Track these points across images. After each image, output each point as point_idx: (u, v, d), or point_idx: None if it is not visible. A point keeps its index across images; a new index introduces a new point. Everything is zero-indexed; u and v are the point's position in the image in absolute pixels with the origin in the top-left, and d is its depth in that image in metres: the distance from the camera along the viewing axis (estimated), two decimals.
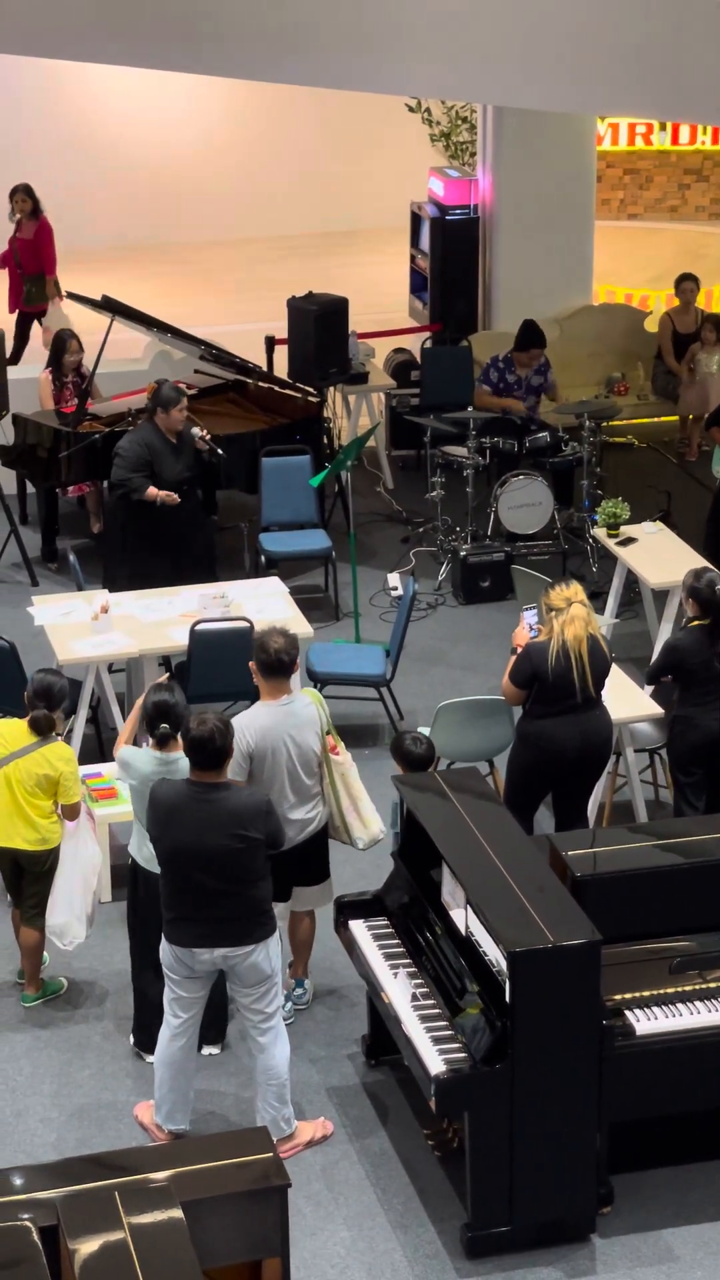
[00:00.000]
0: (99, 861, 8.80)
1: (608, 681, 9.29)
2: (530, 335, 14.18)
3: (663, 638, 11.07)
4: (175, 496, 11.75)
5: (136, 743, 8.60)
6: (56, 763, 8.63)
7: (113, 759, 9.99)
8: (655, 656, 9.57)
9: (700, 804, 9.49)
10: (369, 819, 8.56)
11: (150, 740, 8.23)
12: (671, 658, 9.46)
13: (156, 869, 8.15)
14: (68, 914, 8.61)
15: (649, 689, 9.80)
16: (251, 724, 8.20)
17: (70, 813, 8.68)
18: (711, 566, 9.72)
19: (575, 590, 9.19)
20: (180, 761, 8.04)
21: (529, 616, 9.51)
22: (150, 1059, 8.27)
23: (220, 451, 12.16)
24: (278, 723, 8.27)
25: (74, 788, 8.65)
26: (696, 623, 9.42)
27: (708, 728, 9.41)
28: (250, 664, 8.36)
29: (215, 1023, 8.43)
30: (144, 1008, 8.49)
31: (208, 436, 12.06)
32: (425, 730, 9.47)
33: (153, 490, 11.74)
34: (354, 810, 8.53)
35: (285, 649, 8.27)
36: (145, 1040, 8.47)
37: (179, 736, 8.05)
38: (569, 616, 9.07)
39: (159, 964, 8.04)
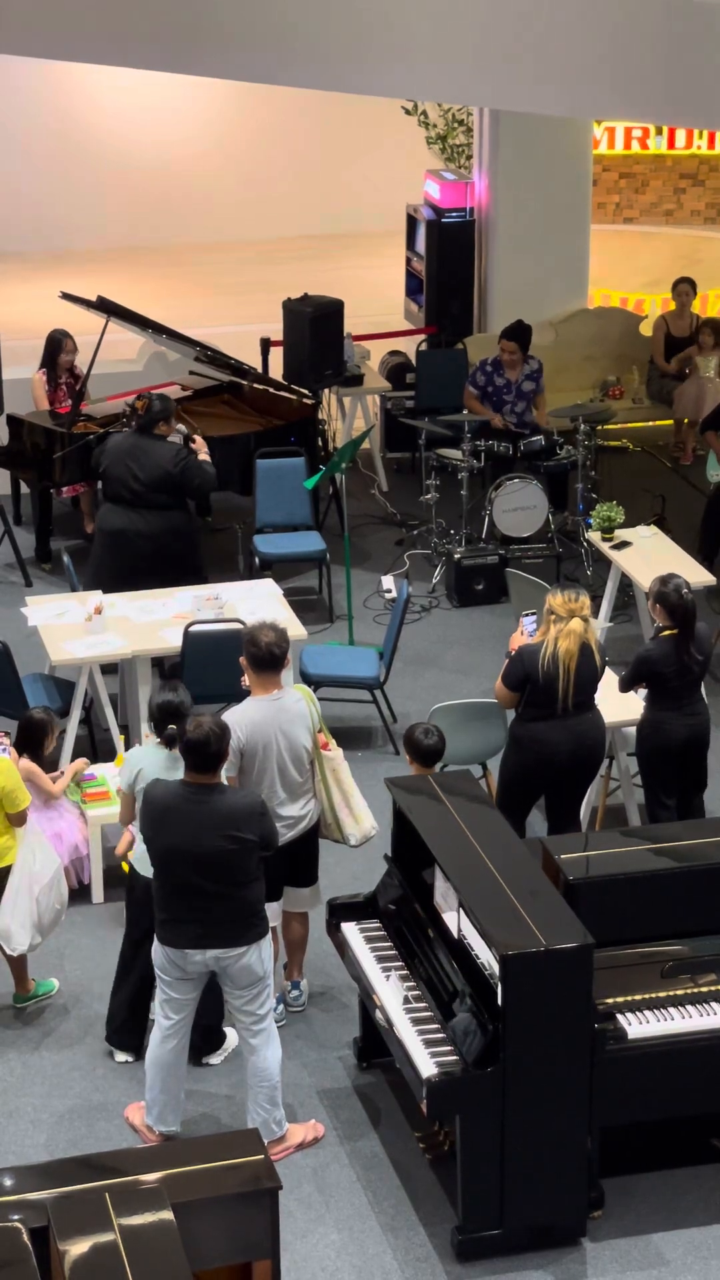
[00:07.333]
0: (51, 869, 8.66)
1: (600, 685, 9.29)
2: (514, 330, 14.10)
3: None
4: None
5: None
6: None
7: (106, 760, 10.00)
8: (629, 667, 9.56)
9: (672, 802, 9.52)
10: (360, 814, 8.55)
11: (157, 739, 8.24)
12: (643, 668, 9.45)
13: (147, 871, 8.15)
14: (9, 920, 8.58)
15: (642, 693, 9.80)
16: (242, 719, 8.18)
17: (15, 820, 8.65)
18: (678, 573, 9.71)
19: (582, 604, 9.12)
20: None
21: (528, 623, 9.48)
22: (121, 1058, 8.37)
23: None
24: (268, 718, 8.25)
25: (17, 797, 8.56)
26: (667, 633, 9.42)
27: (676, 732, 9.43)
28: (241, 659, 8.36)
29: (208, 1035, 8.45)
30: (117, 1006, 8.51)
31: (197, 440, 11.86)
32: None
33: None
34: (345, 806, 8.51)
35: (276, 643, 8.26)
36: (115, 1040, 8.51)
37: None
38: (566, 629, 9.05)
39: (141, 965, 8.03)
